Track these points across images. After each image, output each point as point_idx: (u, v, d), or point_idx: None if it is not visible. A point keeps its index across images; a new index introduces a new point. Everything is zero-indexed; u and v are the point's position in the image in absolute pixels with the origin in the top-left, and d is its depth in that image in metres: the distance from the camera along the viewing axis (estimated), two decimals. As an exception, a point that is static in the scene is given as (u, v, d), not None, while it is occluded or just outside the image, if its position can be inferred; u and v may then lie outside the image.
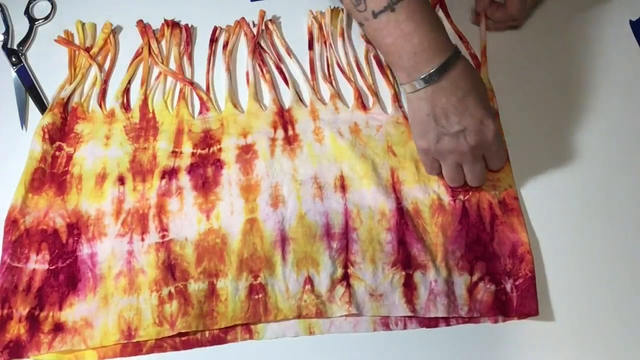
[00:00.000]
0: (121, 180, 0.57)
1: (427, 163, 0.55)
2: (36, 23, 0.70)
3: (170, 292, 0.52)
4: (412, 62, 0.48)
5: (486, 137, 0.50)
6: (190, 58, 0.66)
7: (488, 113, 0.50)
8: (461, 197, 0.54)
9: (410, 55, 0.48)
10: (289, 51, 0.65)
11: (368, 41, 0.64)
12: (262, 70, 0.63)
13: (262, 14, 0.66)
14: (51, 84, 0.65)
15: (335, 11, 0.66)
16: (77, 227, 0.55)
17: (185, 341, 0.51)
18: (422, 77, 0.48)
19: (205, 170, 0.57)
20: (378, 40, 0.50)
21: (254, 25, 0.66)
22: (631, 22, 0.64)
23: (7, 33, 0.69)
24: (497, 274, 0.51)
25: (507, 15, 0.62)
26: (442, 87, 0.48)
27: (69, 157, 0.59)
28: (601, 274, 0.51)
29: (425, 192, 0.55)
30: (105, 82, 0.65)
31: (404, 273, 0.51)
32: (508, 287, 0.51)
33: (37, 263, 0.54)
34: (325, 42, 0.65)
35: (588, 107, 0.59)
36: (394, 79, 0.62)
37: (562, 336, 0.49)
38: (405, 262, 0.52)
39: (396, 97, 0.61)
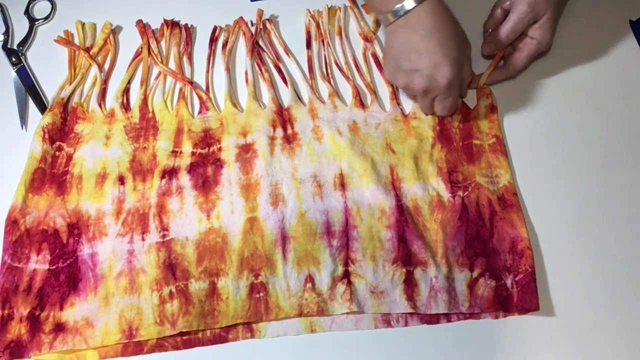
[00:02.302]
0: (121, 180, 0.57)
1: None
2: (36, 23, 0.70)
3: (171, 292, 0.52)
4: None
5: (437, 83, 0.51)
6: (190, 58, 0.66)
7: (447, 59, 0.50)
8: (460, 193, 0.55)
9: None
10: (287, 50, 0.65)
11: (366, 39, 0.64)
12: (260, 70, 0.63)
13: (260, 13, 0.66)
14: (51, 84, 0.65)
15: (332, 10, 0.66)
16: (77, 227, 0.55)
17: (187, 340, 0.51)
18: (390, 11, 0.50)
19: (205, 170, 0.57)
20: None
21: (252, 24, 0.66)
22: (631, 22, 0.64)
23: (7, 33, 0.69)
24: (497, 269, 0.51)
25: (505, 76, 0.60)
26: (406, 24, 0.50)
27: (69, 157, 0.59)
28: (601, 269, 0.51)
29: (425, 189, 0.55)
30: (105, 82, 0.65)
31: (404, 270, 0.51)
32: (508, 282, 0.51)
33: (38, 263, 0.54)
34: (323, 41, 0.65)
35: (588, 106, 0.59)
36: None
37: (562, 331, 0.49)
38: (406, 259, 0.52)
39: (394, 95, 0.61)
